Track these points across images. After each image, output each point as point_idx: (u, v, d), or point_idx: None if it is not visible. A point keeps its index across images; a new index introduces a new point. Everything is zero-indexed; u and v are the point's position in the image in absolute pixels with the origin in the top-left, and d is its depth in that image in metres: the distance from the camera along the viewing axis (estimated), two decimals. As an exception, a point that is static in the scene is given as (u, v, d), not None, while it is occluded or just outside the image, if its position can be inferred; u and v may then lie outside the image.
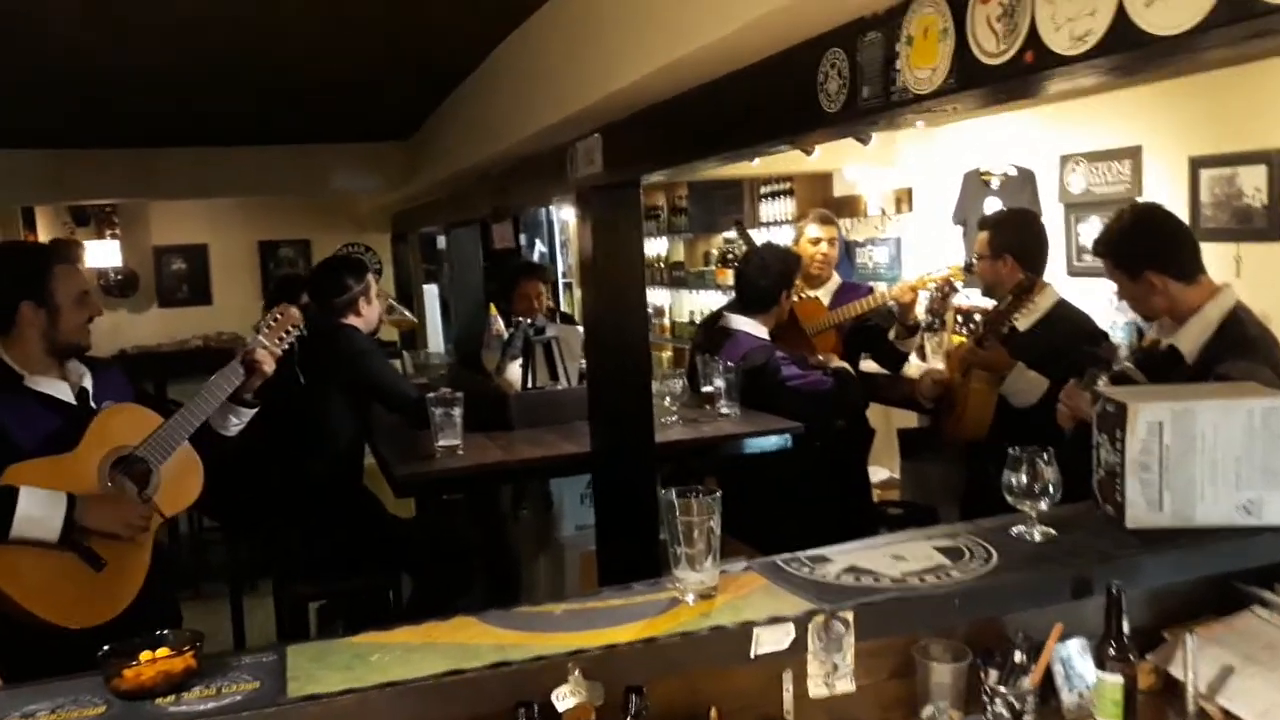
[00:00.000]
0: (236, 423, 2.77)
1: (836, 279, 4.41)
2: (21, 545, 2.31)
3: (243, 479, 3.30)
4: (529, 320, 3.90)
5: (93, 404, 2.58)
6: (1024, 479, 1.87)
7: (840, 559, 1.80)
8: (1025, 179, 4.89)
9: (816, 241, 4.23)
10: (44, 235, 6.05)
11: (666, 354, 7.77)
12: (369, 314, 3.56)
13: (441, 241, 7.04)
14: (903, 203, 5.66)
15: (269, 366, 2.73)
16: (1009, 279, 3.36)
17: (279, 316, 2.81)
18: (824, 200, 6.63)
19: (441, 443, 3.02)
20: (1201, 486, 1.90)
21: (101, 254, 6.18)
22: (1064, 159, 4.56)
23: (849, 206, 6.14)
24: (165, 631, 1.45)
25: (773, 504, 3.49)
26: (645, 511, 2.79)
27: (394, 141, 5.79)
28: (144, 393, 2.86)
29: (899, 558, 1.81)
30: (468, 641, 1.49)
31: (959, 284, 3.97)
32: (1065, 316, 3.38)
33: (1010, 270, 3.38)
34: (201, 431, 2.65)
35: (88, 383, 2.60)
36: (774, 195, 6.70)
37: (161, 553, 2.62)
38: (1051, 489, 1.86)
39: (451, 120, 4.70)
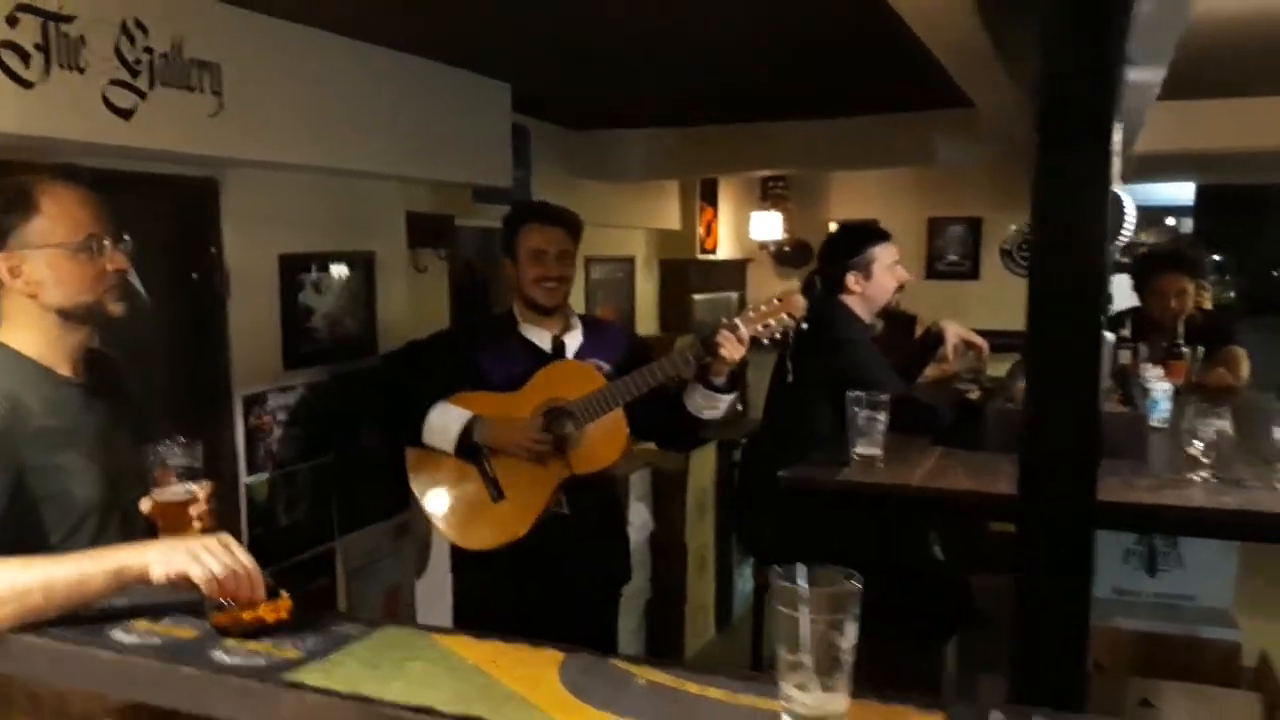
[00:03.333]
0: (708, 407, 2.69)
1: None
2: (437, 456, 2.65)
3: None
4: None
5: (567, 355, 2.79)
6: None
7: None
8: None
9: None
10: (725, 207, 6.66)
11: None
12: (871, 291, 3.17)
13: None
14: None
15: (729, 352, 2.52)
16: None
17: (776, 301, 2.57)
18: None
19: (859, 450, 2.56)
20: None
21: (767, 226, 6.61)
22: None
23: None
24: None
25: None
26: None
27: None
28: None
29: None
30: (499, 678, 1.24)
31: None
32: None
33: None
34: (678, 409, 2.70)
35: (570, 337, 2.82)
36: None
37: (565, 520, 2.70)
38: None
39: None
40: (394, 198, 3.48)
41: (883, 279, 3.14)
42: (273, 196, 2.98)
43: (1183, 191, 11.80)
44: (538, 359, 2.74)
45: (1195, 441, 2.40)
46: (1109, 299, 2.88)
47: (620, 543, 3.05)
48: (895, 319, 4.35)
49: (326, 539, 3.24)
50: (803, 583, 1.10)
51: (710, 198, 6.46)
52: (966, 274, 6.71)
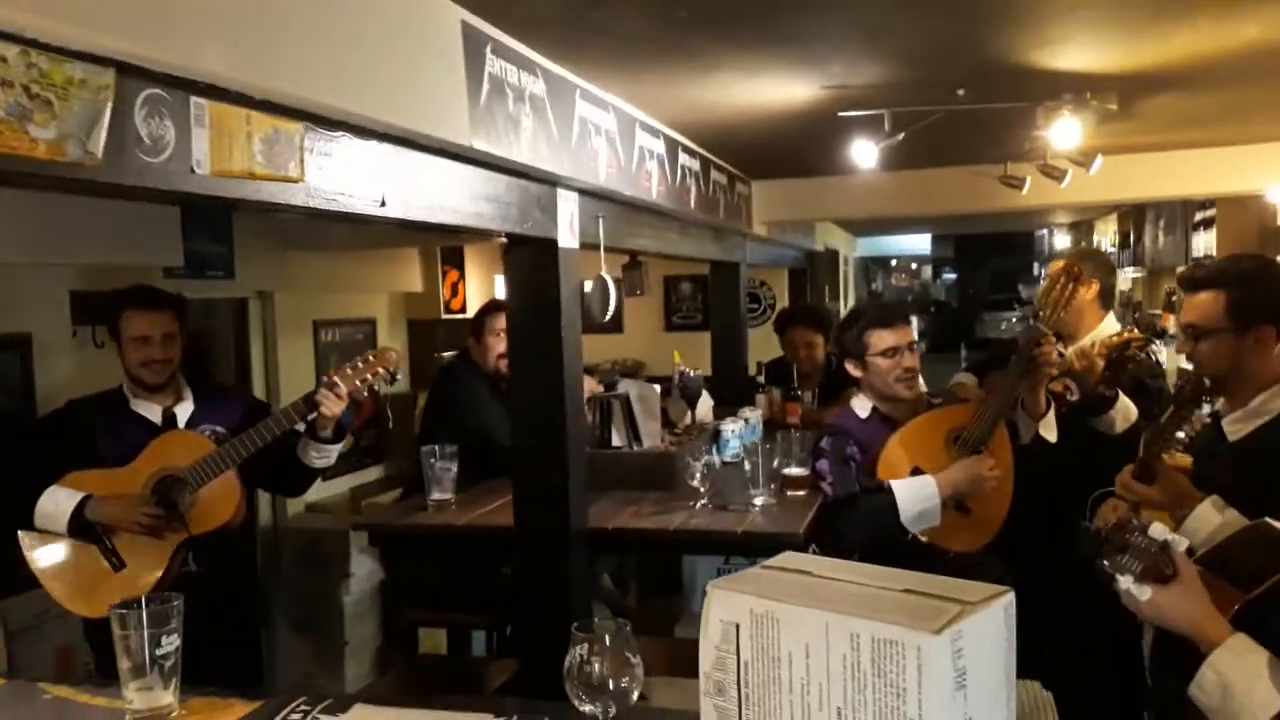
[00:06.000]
0: (318, 457, 2.97)
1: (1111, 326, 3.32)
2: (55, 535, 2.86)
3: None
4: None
5: (179, 425, 3.07)
6: None
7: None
8: None
9: None
10: (472, 269, 7.16)
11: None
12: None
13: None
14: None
15: (329, 408, 2.81)
16: (1267, 367, 2.22)
17: (371, 357, 2.89)
18: (1258, 232, 4.99)
19: (435, 496, 2.97)
20: (791, 746, 1.18)
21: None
22: None
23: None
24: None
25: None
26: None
27: None
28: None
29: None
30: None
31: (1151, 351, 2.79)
32: None
33: (1267, 351, 2.22)
34: (291, 460, 2.95)
35: (181, 408, 3.08)
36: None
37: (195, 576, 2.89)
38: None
39: None
40: (50, 280, 3.69)
41: (491, 342, 3.62)
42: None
43: (923, 242, 13.02)
44: (149, 432, 2.95)
45: (695, 473, 2.90)
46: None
47: (250, 592, 3.32)
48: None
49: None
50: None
51: (456, 261, 6.87)
52: (700, 325, 7.32)
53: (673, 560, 3.91)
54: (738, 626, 1.22)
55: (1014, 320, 12.71)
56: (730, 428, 3.54)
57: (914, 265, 15.65)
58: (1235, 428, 2.17)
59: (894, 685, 1.09)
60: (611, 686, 1.38)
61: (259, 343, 4.86)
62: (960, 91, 3.00)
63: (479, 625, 3.58)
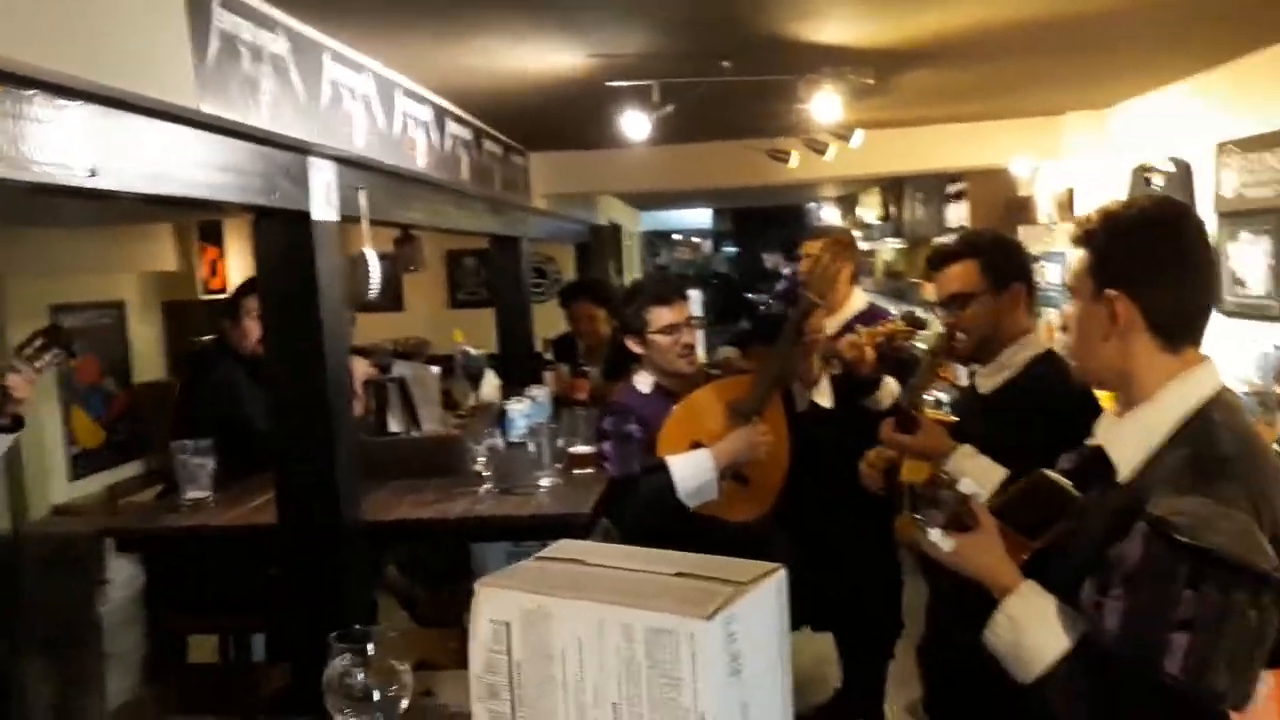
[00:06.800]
0: None
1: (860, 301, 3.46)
2: None
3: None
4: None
5: None
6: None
7: None
8: (1183, 176, 3.55)
9: None
10: (233, 245, 6.69)
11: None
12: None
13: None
14: (1064, 209, 4.42)
15: (22, 391, 2.61)
16: (1016, 323, 2.34)
17: (41, 339, 2.69)
18: (1005, 203, 5.42)
19: (191, 494, 2.75)
20: (567, 745, 1.11)
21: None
22: (1220, 147, 3.23)
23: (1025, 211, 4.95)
24: None
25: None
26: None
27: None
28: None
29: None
30: None
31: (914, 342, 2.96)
32: (1049, 375, 2.30)
33: (1021, 309, 2.35)
34: None
35: None
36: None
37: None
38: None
39: None
40: None
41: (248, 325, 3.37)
42: None
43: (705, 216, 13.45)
44: None
45: (478, 456, 2.80)
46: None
47: None
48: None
49: None
50: None
51: (214, 237, 6.39)
52: (485, 302, 7.18)
53: (462, 546, 3.79)
54: (509, 625, 1.15)
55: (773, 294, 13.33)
56: (516, 407, 3.45)
57: (695, 240, 16.09)
58: (986, 382, 2.35)
59: (669, 675, 1.05)
60: (377, 697, 1.27)
61: (-12, 331, 4.35)
62: (725, 63, 3.02)
63: (251, 629, 3.34)
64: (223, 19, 1.75)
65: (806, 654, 4.04)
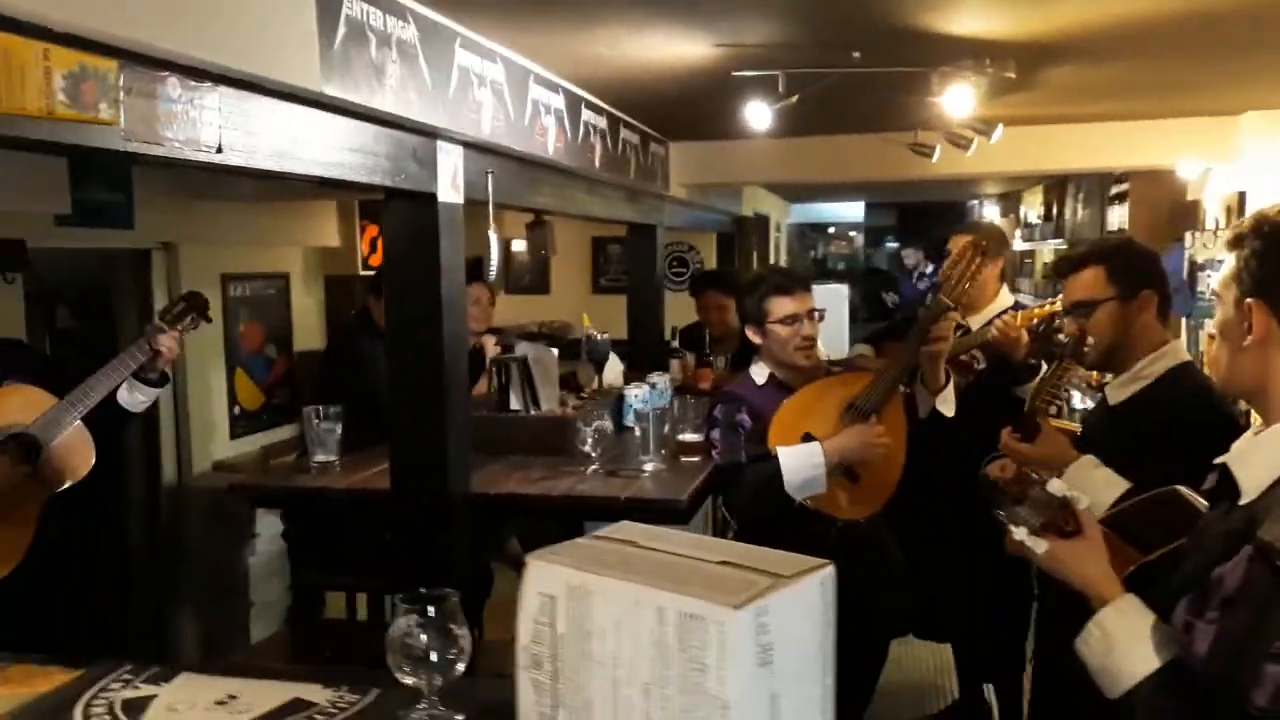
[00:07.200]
0: (144, 400, 2.88)
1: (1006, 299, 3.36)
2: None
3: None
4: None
5: None
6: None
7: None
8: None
9: None
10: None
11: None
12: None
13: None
14: (1234, 215, 4.11)
15: (169, 348, 2.80)
16: (1150, 332, 2.25)
17: (183, 303, 2.89)
18: (1169, 207, 5.07)
19: (319, 458, 2.90)
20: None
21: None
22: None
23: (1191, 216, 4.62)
24: None
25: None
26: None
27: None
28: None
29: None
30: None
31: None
32: (1182, 388, 2.19)
33: (1154, 317, 2.26)
34: (105, 405, 2.77)
35: None
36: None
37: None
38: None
39: None
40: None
41: None
42: None
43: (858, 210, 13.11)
44: None
45: (586, 438, 2.86)
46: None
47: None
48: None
49: None
50: None
51: (374, 215, 6.69)
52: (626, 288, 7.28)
53: (577, 525, 3.87)
54: (554, 599, 1.18)
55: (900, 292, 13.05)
56: (635, 393, 3.50)
57: (851, 233, 15.83)
58: (1117, 392, 2.27)
59: (697, 661, 1.06)
60: (435, 659, 1.33)
61: (163, 297, 4.69)
62: (855, 54, 2.96)
63: (370, 589, 3.52)
64: (351, 6, 1.85)
65: (929, 664, 3.96)
